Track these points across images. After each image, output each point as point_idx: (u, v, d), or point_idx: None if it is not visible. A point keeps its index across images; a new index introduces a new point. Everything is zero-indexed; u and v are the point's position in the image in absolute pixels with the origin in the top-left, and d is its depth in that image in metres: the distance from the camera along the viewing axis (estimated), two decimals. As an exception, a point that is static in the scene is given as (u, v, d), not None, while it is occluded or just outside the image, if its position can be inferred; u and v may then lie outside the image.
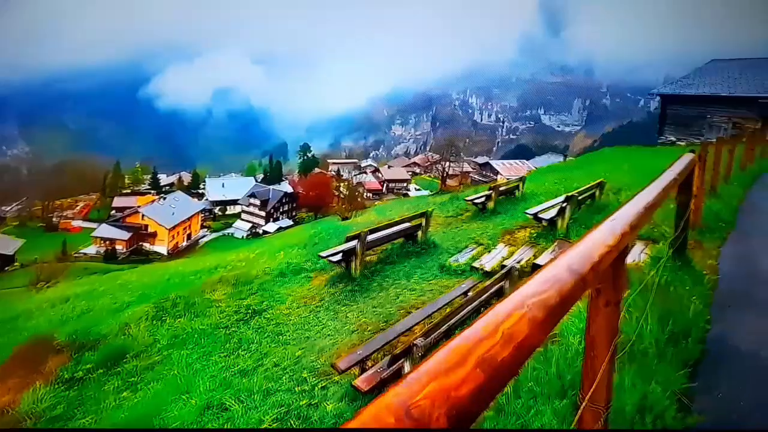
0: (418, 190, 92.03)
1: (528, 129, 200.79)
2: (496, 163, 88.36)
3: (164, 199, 65.63)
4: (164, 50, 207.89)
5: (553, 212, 8.03)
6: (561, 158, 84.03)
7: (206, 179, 79.04)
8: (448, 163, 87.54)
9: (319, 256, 7.24)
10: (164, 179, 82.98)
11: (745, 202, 8.52)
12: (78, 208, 69.48)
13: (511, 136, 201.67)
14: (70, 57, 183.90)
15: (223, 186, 75.59)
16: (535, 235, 8.23)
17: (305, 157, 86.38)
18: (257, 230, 69.25)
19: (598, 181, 9.55)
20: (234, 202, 73.44)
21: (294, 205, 74.20)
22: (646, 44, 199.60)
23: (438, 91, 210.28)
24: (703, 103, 30.08)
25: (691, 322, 3.58)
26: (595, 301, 1.73)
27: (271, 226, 68.32)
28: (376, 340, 4.82)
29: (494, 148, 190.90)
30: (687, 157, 4.78)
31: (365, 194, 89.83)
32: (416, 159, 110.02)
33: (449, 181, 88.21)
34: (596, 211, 8.96)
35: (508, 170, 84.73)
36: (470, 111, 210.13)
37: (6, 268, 51.81)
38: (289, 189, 75.14)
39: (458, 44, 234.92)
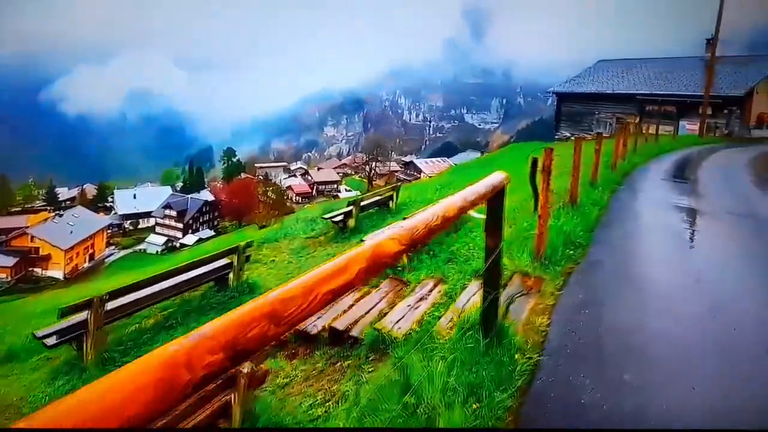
0: (349, 191, 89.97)
1: (453, 127, 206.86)
2: (419, 162, 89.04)
3: (60, 216, 57.40)
4: (73, 49, 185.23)
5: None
6: (479, 154, 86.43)
7: (115, 191, 70.54)
8: (375, 163, 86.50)
9: (34, 336, 4.74)
10: (65, 193, 72.92)
11: (606, 212, 7.37)
12: (-48, 231, 58.63)
13: (438, 135, 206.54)
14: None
15: (134, 197, 68.02)
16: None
17: (229, 162, 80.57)
18: (174, 244, 63.23)
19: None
20: (147, 215, 66.42)
21: (216, 214, 68.77)
22: (559, 48, 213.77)
23: (368, 91, 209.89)
24: (592, 100, 31.08)
25: None
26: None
27: (190, 239, 62.73)
28: None
29: (423, 147, 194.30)
30: (493, 179, 3.10)
31: (294, 198, 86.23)
32: (346, 160, 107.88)
33: (377, 181, 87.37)
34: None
35: (430, 168, 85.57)
36: (399, 111, 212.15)
37: None
38: (211, 197, 69.47)
39: (385, 46, 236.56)
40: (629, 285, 4.48)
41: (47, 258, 53.89)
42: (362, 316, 4.68)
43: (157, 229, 65.10)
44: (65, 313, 4.54)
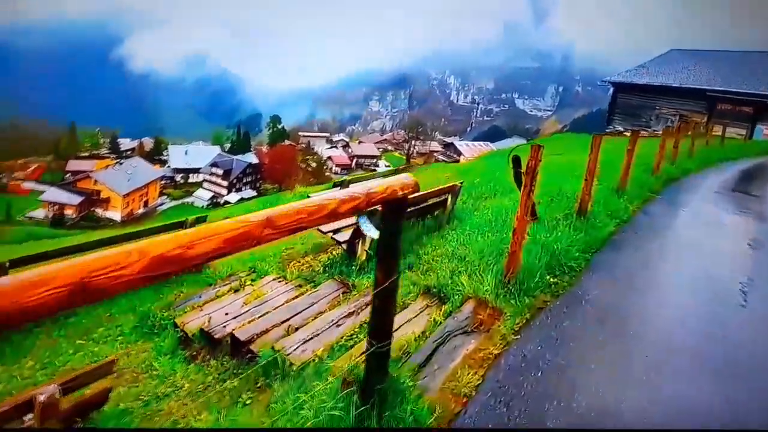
0: (388, 166, 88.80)
1: (502, 112, 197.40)
2: (461, 144, 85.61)
3: (120, 164, 60.77)
4: (138, 12, 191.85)
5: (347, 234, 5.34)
6: (524, 141, 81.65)
7: (169, 146, 73.59)
8: (415, 142, 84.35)
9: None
10: (126, 144, 76.96)
11: (625, 229, 5.94)
12: (30, 170, 63.77)
13: (486, 118, 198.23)
14: (42, 10, 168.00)
15: (186, 154, 70.63)
16: (327, 263, 5.48)
17: (275, 129, 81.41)
18: (218, 200, 65.44)
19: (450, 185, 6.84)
20: (197, 171, 68.94)
21: (258, 176, 70.18)
22: (628, 34, 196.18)
23: (417, 69, 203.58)
24: (654, 93, 27.64)
25: None
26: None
27: (233, 197, 64.72)
28: None
29: (468, 129, 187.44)
30: (394, 180, 2.12)
31: (334, 168, 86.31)
32: (387, 136, 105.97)
33: (416, 159, 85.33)
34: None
35: (471, 151, 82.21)
36: (447, 91, 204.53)
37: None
38: (255, 160, 70.87)
39: (439, 24, 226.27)
40: (620, 347, 3.24)
41: (107, 201, 57.59)
42: (276, 326, 3.79)
43: (205, 185, 67.49)
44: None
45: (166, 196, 66.33)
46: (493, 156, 29.21)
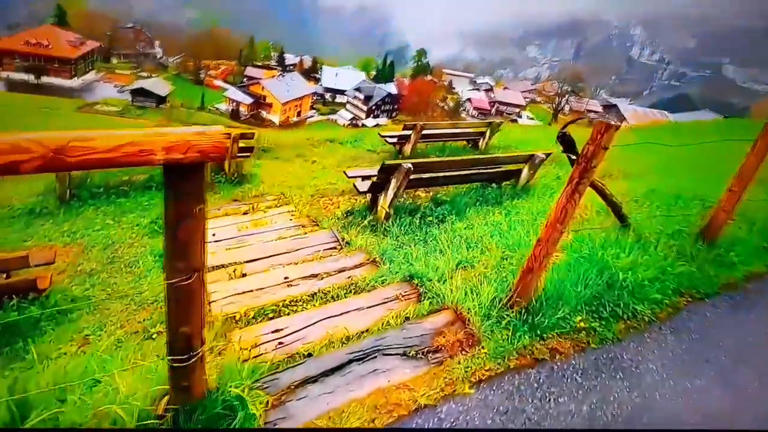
0: (532, 119, 79.99)
1: (700, 78, 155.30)
2: (626, 108, 70.91)
3: (283, 77, 67.00)
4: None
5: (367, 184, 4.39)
6: (719, 117, 63.55)
7: (323, 66, 77.75)
8: (568, 97, 73.09)
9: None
10: (290, 59, 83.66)
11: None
12: (220, 70, 74.57)
13: (673, 83, 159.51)
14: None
15: (336, 75, 73.97)
16: (349, 210, 4.72)
17: (419, 62, 78.72)
18: (357, 122, 68.37)
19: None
20: (342, 92, 72.25)
21: (395, 106, 70.45)
22: None
23: (593, 15, 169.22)
24: None
25: None
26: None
27: (370, 122, 66.92)
28: None
29: (646, 92, 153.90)
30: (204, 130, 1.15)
31: (471, 111, 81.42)
32: (537, 85, 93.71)
33: (565, 117, 74.63)
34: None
35: (638, 118, 67.70)
36: (628, 44, 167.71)
37: (160, 106, 59.20)
38: (394, 91, 70.83)
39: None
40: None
41: (270, 105, 65.06)
42: (233, 264, 3.28)
43: (347, 106, 70.69)
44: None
45: (315, 111, 71.69)
46: (664, 130, 23.21)
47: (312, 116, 70.11)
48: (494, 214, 4.35)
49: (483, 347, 2.38)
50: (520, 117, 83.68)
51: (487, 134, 8.21)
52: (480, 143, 8.31)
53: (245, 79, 69.73)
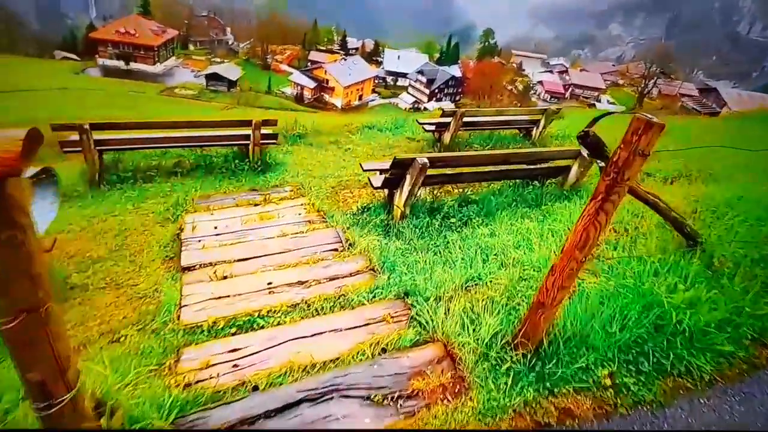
0: (612, 104, 72.86)
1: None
2: (729, 92, 61.40)
3: (345, 60, 67.41)
4: None
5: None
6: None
7: (385, 49, 76.80)
8: (656, 79, 65.18)
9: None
10: (353, 43, 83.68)
11: None
12: (286, 54, 76.91)
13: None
14: None
15: (398, 58, 72.77)
16: (366, 206, 4.34)
17: (486, 43, 74.63)
18: (419, 106, 67.20)
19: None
20: (404, 75, 71.14)
21: (459, 90, 68.00)
22: None
23: None
24: None
25: None
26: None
27: (432, 105, 65.44)
28: None
29: (755, 75, 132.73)
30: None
31: (543, 95, 76.09)
32: (620, 67, 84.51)
33: (653, 101, 66.76)
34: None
35: (742, 103, 58.10)
36: (735, 19, 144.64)
37: (231, 90, 62.73)
38: (458, 73, 68.23)
39: None
40: None
41: (332, 89, 66.12)
42: (220, 263, 3.08)
43: (409, 89, 69.56)
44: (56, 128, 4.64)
45: (377, 94, 71.54)
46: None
47: (374, 99, 70.08)
48: (527, 219, 3.71)
49: (471, 398, 1.91)
50: (599, 101, 76.36)
51: (542, 122, 7.29)
52: (533, 132, 7.41)
53: (309, 64, 71.28)
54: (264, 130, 5.56)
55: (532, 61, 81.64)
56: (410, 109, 65.25)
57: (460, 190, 4.71)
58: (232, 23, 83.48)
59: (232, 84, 63.35)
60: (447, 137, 6.63)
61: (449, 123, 6.52)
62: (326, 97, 65.93)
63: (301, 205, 4.42)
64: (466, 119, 6.56)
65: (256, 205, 4.38)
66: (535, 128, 7.49)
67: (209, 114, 25.87)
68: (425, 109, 63.11)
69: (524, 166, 4.47)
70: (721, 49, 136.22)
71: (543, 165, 4.55)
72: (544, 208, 4.19)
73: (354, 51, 79.25)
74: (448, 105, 67.18)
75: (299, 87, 65.73)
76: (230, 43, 79.92)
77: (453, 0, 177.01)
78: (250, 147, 5.56)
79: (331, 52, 76.66)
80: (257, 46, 74.69)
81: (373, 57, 76.38)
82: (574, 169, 4.61)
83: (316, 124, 8.18)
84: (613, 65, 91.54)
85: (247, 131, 5.49)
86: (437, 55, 77.48)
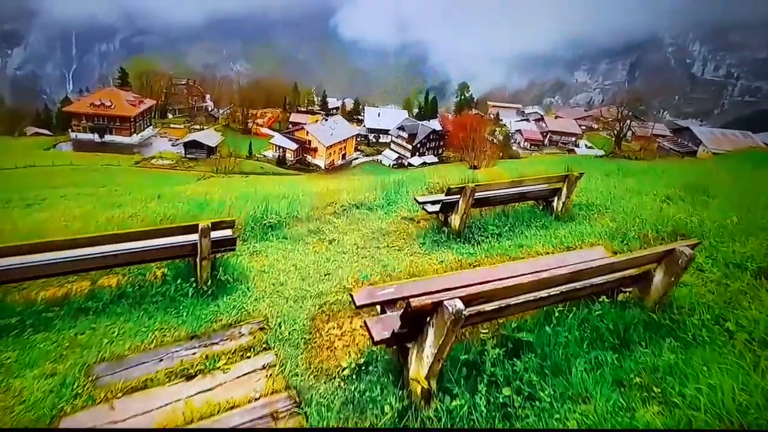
0: (590, 148, 75.23)
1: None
2: (701, 131, 64.29)
3: (326, 120, 68.82)
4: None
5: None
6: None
7: (365, 107, 79.51)
8: (630, 122, 67.90)
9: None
10: (333, 102, 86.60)
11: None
12: (266, 117, 78.54)
13: (747, 99, 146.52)
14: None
15: (378, 115, 74.99)
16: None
17: (462, 97, 78.05)
18: (403, 161, 67.89)
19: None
20: (386, 132, 72.79)
21: (441, 143, 69.50)
22: None
23: (644, 33, 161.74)
24: None
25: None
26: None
27: (416, 160, 66.31)
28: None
29: (717, 111, 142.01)
30: None
31: (522, 143, 78.42)
32: (593, 111, 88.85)
33: (630, 144, 68.90)
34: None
35: (717, 142, 60.57)
36: (688, 61, 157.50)
37: (210, 156, 62.37)
38: (439, 127, 70.21)
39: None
40: None
41: (315, 150, 66.56)
42: None
43: (392, 146, 70.74)
44: None
45: (360, 152, 72.47)
46: (755, 156, 19.51)
47: (357, 158, 70.74)
48: (609, 372, 2.26)
49: None
50: (578, 146, 79.01)
51: (564, 191, 6.14)
52: (555, 205, 6.23)
53: (290, 126, 72.53)
54: (216, 235, 4.13)
55: (508, 111, 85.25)
56: (394, 165, 65.83)
57: (502, 320, 3.28)
58: (212, 89, 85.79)
59: (211, 151, 63.26)
60: (456, 221, 5.32)
61: (457, 202, 5.26)
62: (309, 158, 66.16)
63: (263, 369, 2.88)
64: (477, 195, 5.32)
65: (189, 377, 2.81)
66: (556, 198, 6.31)
67: (183, 184, 24.44)
68: (410, 164, 63.69)
69: (592, 281, 3.11)
70: (681, 90, 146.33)
71: (616, 275, 3.20)
72: (633, 348, 2.76)
73: (335, 111, 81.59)
74: (432, 158, 68.13)
75: (281, 149, 65.98)
76: (210, 109, 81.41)
77: (428, 56, 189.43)
78: (197, 261, 4.09)
79: (312, 113, 78.64)
80: (237, 111, 76.12)
81: (354, 115, 78.56)
82: (659, 276, 3.27)
83: (291, 208, 6.84)
84: (585, 110, 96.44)
85: (193, 237, 4.05)
86: (416, 110, 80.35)
